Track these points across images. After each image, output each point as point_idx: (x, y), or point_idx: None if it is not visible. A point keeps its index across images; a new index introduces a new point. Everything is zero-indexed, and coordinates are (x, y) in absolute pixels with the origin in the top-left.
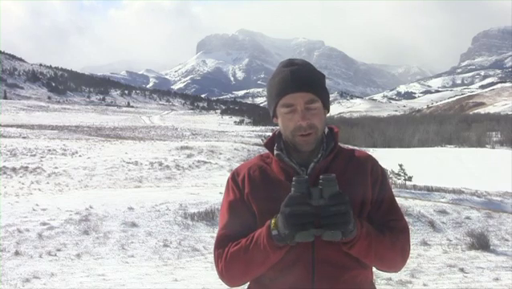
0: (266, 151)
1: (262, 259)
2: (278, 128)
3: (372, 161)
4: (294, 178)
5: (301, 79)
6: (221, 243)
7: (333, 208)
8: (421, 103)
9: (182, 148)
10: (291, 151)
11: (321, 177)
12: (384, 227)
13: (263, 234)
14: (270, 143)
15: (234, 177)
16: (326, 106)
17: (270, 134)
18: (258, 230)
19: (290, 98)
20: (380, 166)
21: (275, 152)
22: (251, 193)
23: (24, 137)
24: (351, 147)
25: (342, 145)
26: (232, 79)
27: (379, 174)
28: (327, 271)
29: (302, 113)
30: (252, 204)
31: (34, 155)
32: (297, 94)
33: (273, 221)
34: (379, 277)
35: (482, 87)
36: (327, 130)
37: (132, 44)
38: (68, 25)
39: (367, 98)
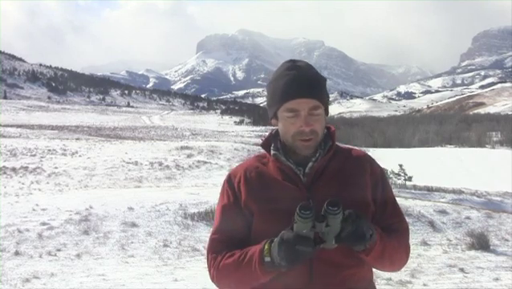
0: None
1: (253, 279)
2: (274, 128)
3: (370, 161)
4: (298, 209)
5: (306, 85)
6: (214, 248)
7: (350, 228)
8: (421, 103)
9: (182, 148)
10: (289, 151)
11: (326, 207)
12: (389, 229)
13: (255, 258)
14: (266, 143)
15: (230, 179)
16: (327, 111)
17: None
18: (252, 248)
19: (294, 103)
20: (378, 165)
21: (272, 152)
22: (249, 195)
23: (24, 137)
24: (349, 146)
25: (339, 144)
26: (232, 79)
27: (378, 175)
28: (324, 270)
29: (306, 119)
30: (251, 206)
31: (34, 155)
32: (302, 100)
33: (266, 246)
34: (380, 277)
35: (482, 87)
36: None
37: (132, 44)
38: (65, 25)
39: (367, 98)
